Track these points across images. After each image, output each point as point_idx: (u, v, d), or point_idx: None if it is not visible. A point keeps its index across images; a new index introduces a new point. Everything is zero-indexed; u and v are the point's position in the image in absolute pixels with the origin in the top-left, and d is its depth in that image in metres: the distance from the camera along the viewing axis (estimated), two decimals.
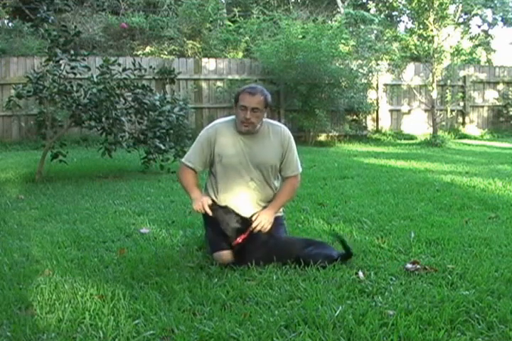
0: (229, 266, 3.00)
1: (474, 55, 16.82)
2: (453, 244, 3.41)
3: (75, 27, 7.76)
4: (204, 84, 11.75)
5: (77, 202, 5.15)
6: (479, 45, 17.85)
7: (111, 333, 2.20)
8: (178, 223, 4.15)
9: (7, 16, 14.18)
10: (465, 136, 13.09)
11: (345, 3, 17.48)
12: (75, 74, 6.55)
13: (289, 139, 3.39)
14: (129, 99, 6.75)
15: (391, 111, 13.15)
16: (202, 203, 3.09)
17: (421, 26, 11.66)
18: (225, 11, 15.32)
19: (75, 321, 2.32)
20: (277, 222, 3.32)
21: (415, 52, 12.03)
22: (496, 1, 16.42)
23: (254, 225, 3.13)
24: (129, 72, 6.82)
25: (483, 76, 13.98)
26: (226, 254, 3.09)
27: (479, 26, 18.64)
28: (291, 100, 11.66)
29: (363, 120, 12.65)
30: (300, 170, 3.45)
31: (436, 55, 11.46)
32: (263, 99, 3.23)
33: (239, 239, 3.07)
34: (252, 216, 3.21)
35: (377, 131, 12.86)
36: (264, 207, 3.32)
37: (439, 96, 12.87)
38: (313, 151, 9.65)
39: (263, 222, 3.16)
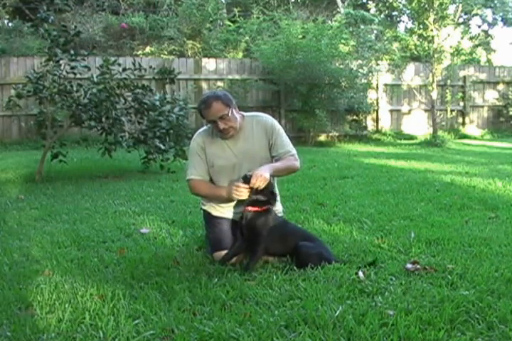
0: (229, 266, 3.00)
1: (474, 55, 16.82)
2: (453, 244, 3.41)
3: (75, 27, 7.77)
4: (204, 84, 11.76)
5: (77, 202, 5.15)
6: (479, 45, 17.84)
7: (111, 333, 2.20)
8: (178, 223, 4.15)
9: (7, 16, 14.20)
10: (465, 136, 13.09)
11: (345, 3, 17.48)
12: (75, 74, 6.56)
13: (272, 124, 3.31)
14: (129, 99, 6.75)
15: (391, 111, 13.15)
16: (235, 188, 3.02)
17: (421, 26, 11.66)
18: (225, 11, 15.32)
19: (75, 321, 2.32)
20: None
21: (415, 52, 12.03)
22: (496, 1, 16.42)
23: (252, 182, 3.00)
24: (129, 72, 6.82)
25: (483, 76, 13.97)
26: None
27: (479, 26, 18.66)
28: (291, 100, 11.66)
29: (363, 120, 12.63)
30: (293, 151, 3.31)
31: (436, 55, 11.46)
32: (220, 104, 3.14)
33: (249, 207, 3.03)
34: (245, 175, 3.10)
35: (377, 131, 12.87)
36: None
37: (439, 96, 12.87)
38: (313, 151, 9.64)
39: (259, 179, 2.99)
